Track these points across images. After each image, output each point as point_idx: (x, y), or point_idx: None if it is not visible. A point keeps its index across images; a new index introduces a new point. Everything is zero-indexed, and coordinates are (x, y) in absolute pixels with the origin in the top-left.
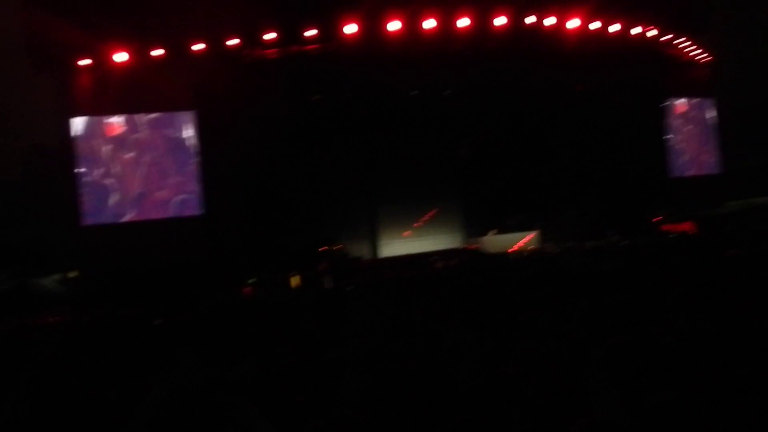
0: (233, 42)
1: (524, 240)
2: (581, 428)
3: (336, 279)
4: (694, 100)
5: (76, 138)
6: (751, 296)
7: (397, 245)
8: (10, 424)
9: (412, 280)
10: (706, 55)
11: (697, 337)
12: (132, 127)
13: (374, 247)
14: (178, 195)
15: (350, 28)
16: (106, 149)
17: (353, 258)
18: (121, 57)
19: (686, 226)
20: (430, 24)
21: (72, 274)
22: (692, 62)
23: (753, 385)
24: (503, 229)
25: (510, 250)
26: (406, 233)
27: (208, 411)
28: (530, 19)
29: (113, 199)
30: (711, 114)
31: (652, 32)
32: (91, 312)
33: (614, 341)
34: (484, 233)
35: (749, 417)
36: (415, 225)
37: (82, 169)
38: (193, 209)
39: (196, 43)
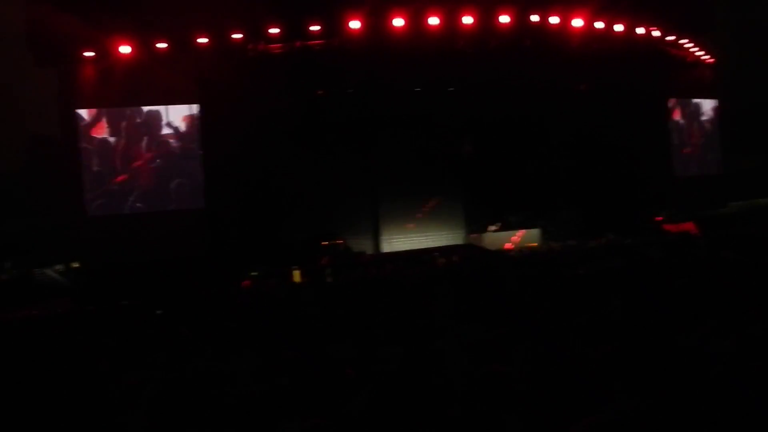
0: (237, 36)
1: (518, 236)
2: (587, 427)
3: (338, 274)
4: (697, 100)
5: (80, 129)
6: (749, 300)
7: (398, 241)
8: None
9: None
10: (709, 55)
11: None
12: (136, 119)
13: (376, 243)
14: (181, 188)
15: (354, 24)
16: (109, 141)
17: (355, 253)
18: (125, 49)
19: (688, 226)
20: (434, 21)
21: (75, 265)
22: (695, 63)
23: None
24: (504, 227)
25: (506, 247)
26: (409, 225)
27: (205, 401)
28: (534, 18)
29: (117, 191)
30: (714, 114)
31: (656, 32)
32: (93, 303)
33: (615, 347)
34: (485, 230)
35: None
36: (418, 216)
37: (87, 160)
38: (196, 202)
39: (200, 37)
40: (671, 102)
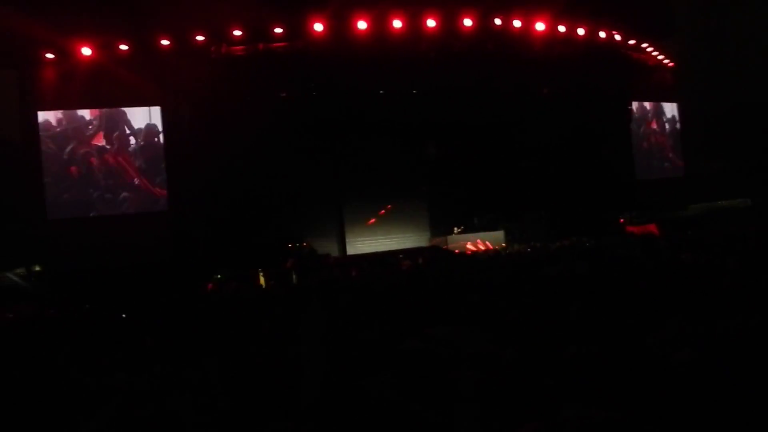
0: (200, 38)
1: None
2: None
3: (302, 276)
4: (658, 104)
5: (40, 132)
6: (710, 301)
7: (363, 243)
8: None
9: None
10: (669, 59)
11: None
12: (98, 121)
13: (341, 245)
14: (144, 190)
15: (318, 26)
16: (71, 143)
17: (320, 255)
18: (86, 51)
19: (650, 228)
20: (397, 24)
21: (36, 269)
22: (656, 66)
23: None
24: (468, 229)
25: (469, 251)
26: (370, 221)
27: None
28: (497, 21)
29: (78, 194)
30: (675, 118)
31: (617, 36)
32: (54, 306)
33: (578, 349)
34: (450, 232)
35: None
36: (371, 221)
37: (47, 163)
38: (159, 205)
39: (162, 39)
40: (633, 105)
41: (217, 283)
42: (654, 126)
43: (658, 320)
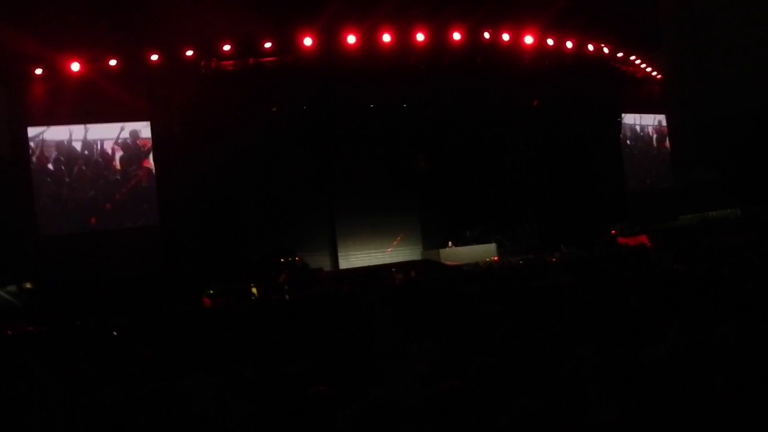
0: (189, 53)
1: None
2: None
3: (295, 290)
4: (648, 116)
5: (31, 147)
6: (702, 310)
7: (356, 257)
8: None
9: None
10: (657, 72)
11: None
12: (88, 136)
13: (333, 259)
14: (135, 205)
15: (307, 41)
16: (61, 159)
17: (313, 269)
18: (75, 67)
19: (641, 239)
20: (386, 38)
21: (27, 285)
22: (645, 79)
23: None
24: (461, 242)
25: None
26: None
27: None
28: (486, 35)
29: (69, 209)
30: (663, 129)
31: (605, 49)
32: (47, 323)
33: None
34: (442, 245)
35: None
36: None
37: (38, 179)
38: (150, 219)
39: (151, 54)
40: (622, 117)
41: (212, 298)
42: (643, 137)
43: (651, 331)
